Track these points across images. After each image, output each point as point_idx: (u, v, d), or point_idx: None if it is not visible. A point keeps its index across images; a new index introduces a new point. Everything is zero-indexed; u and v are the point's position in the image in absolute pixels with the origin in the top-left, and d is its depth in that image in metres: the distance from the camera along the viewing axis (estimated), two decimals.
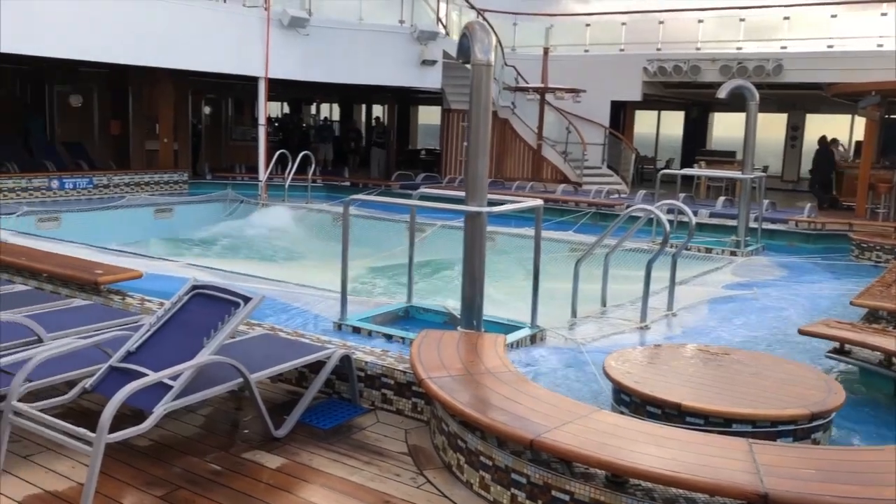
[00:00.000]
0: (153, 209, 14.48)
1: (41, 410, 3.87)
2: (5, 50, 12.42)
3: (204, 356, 4.05)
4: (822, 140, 18.01)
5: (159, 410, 3.81)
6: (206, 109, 21.42)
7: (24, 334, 4.83)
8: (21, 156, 15.64)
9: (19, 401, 3.89)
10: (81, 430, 3.59)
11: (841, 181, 17.51)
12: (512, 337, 5.84)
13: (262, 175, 16.22)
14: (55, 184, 14.47)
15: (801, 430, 4.04)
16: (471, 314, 5.74)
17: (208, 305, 4.38)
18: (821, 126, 22.48)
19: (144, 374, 3.92)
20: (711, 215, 13.43)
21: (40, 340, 4.76)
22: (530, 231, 6.36)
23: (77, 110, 17.92)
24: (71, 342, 4.34)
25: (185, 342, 4.19)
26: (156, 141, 17.49)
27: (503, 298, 8.06)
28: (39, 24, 12.51)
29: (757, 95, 11.67)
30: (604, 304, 7.49)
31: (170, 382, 3.91)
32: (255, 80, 16.24)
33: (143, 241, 12.06)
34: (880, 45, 17.69)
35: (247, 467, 4.05)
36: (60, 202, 14.09)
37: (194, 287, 4.52)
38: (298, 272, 9.75)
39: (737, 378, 4.67)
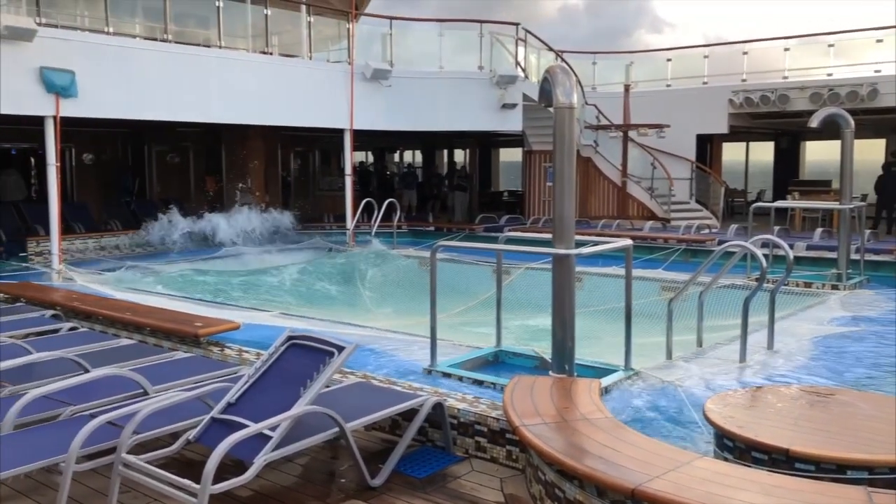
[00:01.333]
0: (251, 260, 14.97)
1: (148, 462, 4.01)
2: (110, 116, 13.25)
3: (301, 406, 4.12)
4: (887, 165, 18.18)
5: (260, 461, 3.89)
6: (295, 162, 22.15)
7: (131, 387, 5.04)
8: (123, 214, 16.50)
9: (128, 453, 4.05)
10: (186, 482, 3.70)
11: None
12: (606, 381, 5.72)
13: (350, 223, 16.58)
14: (155, 239, 15.15)
15: None
16: (562, 358, 5.66)
17: (304, 355, 4.48)
18: None
19: (245, 425, 4.02)
20: (809, 248, 12.91)
21: (146, 393, 4.96)
22: (618, 270, 6.26)
23: (174, 168, 18.85)
24: (175, 395, 4.50)
25: (283, 392, 4.28)
26: (248, 194, 18.16)
27: (595, 341, 7.92)
28: (139, 89, 13.29)
29: (852, 122, 11.24)
30: (700, 344, 7.25)
31: (269, 433, 3.99)
32: (340, 131, 16.73)
33: (242, 294, 12.44)
34: None
35: None
36: (160, 256, 14.73)
37: (290, 338, 4.63)
38: (389, 318, 9.86)
39: (848, 420, 4.43)
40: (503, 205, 24.46)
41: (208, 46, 14.95)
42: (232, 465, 4.17)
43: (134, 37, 14.06)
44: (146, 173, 18.83)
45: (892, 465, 3.78)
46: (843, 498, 3.23)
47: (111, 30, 13.33)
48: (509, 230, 14.55)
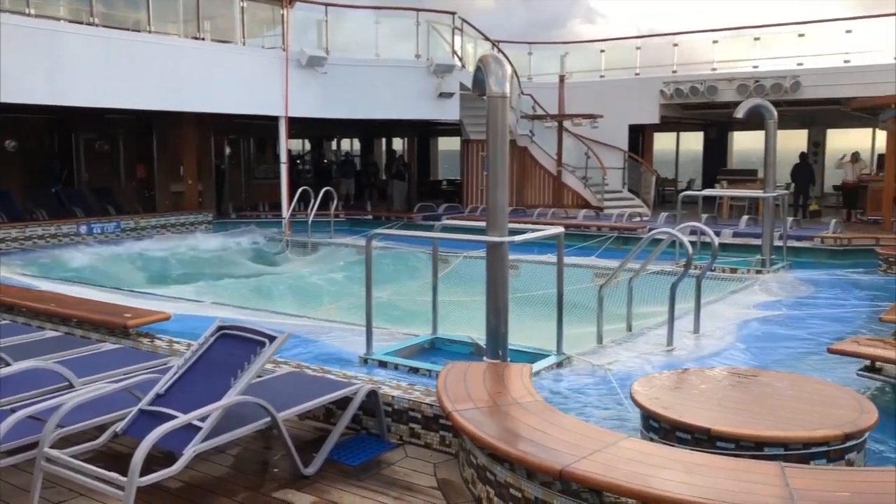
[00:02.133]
0: (181, 250, 14.66)
1: (73, 456, 3.92)
2: (38, 102, 12.78)
3: (231, 397, 4.09)
4: (802, 155, 19.84)
5: (189, 452, 3.85)
6: (228, 150, 21.76)
7: (56, 380, 4.91)
8: (50, 203, 15.97)
9: (51, 447, 3.95)
10: (113, 475, 3.64)
11: (865, 195, 17.36)
12: (538, 365, 5.83)
13: (286, 212, 16.40)
14: (83, 229, 14.73)
15: (834, 451, 3.97)
16: (496, 344, 5.74)
17: (234, 345, 4.43)
18: (842, 140, 22.35)
19: (174, 417, 3.97)
20: (735, 235, 13.33)
21: (71, 386, 4.84)
22: (553, 258, 6.37)
23: (103, 156, 18.31)
24: (101, 387, 4.40)
25: (213, 383, 4.23)
26: (180, 183, 17.79)
27: (529, 326, 8.04)
28: (69, 75, 12.85)
29: (775, 113, 11.64)
30: (629, 328, 7.46)
31: (199, 424, 3.94)
32: (275, 119, 16.51)
33: (172, 282, 12.20)
34: None
35: None
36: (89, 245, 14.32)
37: (220, 328, 4.58)
38: (324, 307, 9.81)
39: (766, 400, 4.62)
40: (442, 193, 24.53)
41: (137, 31, 14.54)
42: (162, 458, 4.11)
43: (58, 19, 13.57)
44: (74, 161, 18.23)
45: (806, 441, 3.97)
46: (759, 473, 3.37)
47: (33, 11, 12.84)
48: (447, 219, 14.62)
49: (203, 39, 15.59)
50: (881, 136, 17.51)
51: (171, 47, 14.67)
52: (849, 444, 4.01)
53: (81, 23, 13.58)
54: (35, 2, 12.92)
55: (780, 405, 4.50)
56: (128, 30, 14.54)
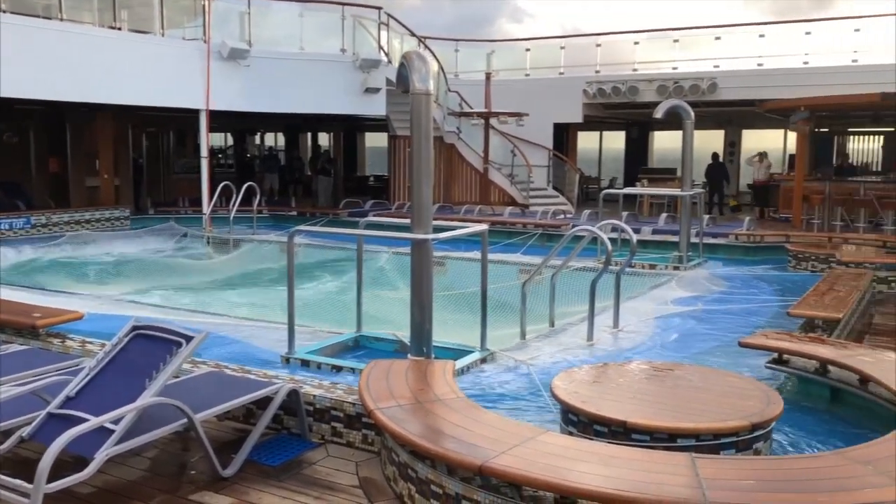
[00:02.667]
0: (95, 247, 14.17)
1: None
2: None
3: (146, 398, 3.98)
4: (714, 155, 20.90)
5: (101, 456, 3.73)
6: (147, 143, 21.14)
7: None
8: None
9: None
10: (17, 482, 3.50)
11: (776, 194, 18.09)
12: (461, 362, 5.87)
13: (206, 208, 16.02)
14: None
15: (742, 441, 4.13)
16: (420, 341, 5.76)
17: (150, 346, 4.31)
18: (756, 141, 23.24)
19: (85, 420, 3.83)
20: (654, 232, 13.71)
21: None
22: (479, 254, 6.41)
23: (12, 149, 17.51)
24: (6, 390, 4.22)
25: (127, 384, 4.11)
26: (96, 177, 17.18)
27: (455, 323, 8.09)
28: None
29: (692, 114, 12.01)
30: (552, 324, 7.58)
31: (111, 427, 3.83)
32: (196, 112, 16.11)
33: (86, 280, 11.78)
34: (806, 62, 18.42)
35: None
36: None
37: (135, 328, 4.44)
38: (246, 306, 9.64)
39: (681, 393, 4.76)
40: (369, 190, 24.39)
41: (48, 18, 13.95)
42: (73, 463, 3.97)
43: None
44: None
45: (716, 432, 4.11)
46: (671, 464, 3.48)
47: None
48: (373, 215, 14.55)
49: (120, 29, 15.08)
50: (792, 136, 18.31)
51: (86, 36, 14.14)
52: (756, 433, 4.17)
53: None
54: None
55: (693, 398, 4.64)
56: (38, 17, 13.95)
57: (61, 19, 13.89)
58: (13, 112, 16.73)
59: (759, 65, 18.96)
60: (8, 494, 3.53)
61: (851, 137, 23.17)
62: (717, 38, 19.90)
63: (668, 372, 5.24)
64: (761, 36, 19.32)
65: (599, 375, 5.18)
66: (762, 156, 18.81)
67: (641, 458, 3.62)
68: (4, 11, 12.98)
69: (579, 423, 4.44)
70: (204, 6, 16.10)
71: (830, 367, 5.49)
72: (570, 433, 4.43)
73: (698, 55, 20.21)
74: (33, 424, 4.04)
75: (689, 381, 4.95)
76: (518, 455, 3.57)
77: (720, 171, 20.56)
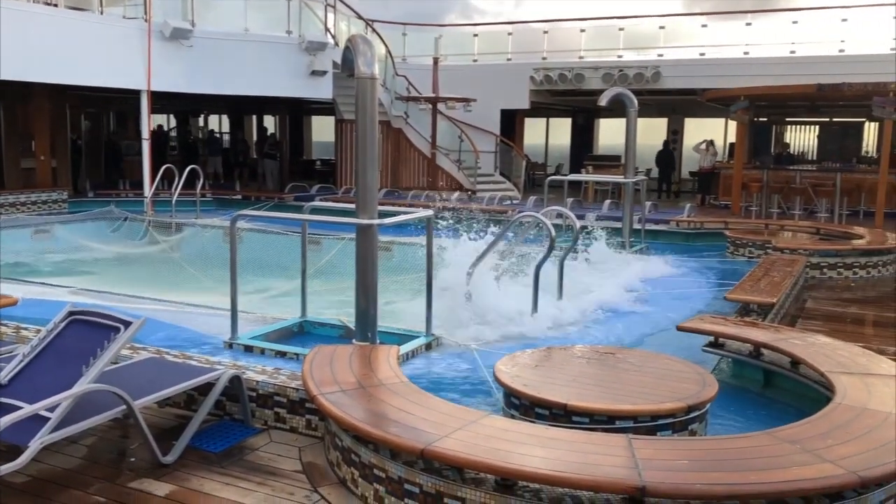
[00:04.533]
0: (30, 230, 13.74)
1: None
2: None
3: (83, 385, 3.90)
4: (666, 143, 22.15)
5: (35, 444, 3.65)
6: (87, 124, 20.53)
7: None
8: None
9: None
10: None
11: (717, 181, 18.52)
12: (406, 347, 5.89)
13: (148, 191, 15.67)
14: None
15: (678, 422, 4.25)
16: (365, 326, 5.76)
17: (86, 331, 4.22)
18: (698, 129, 23.72)
19: (18, 407, 3.75)
20: (598, 218, 13.90)
21: None
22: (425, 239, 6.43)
23: None
24: None
25: (63, 371, 4.03)
26: (32, 159, 16.63)
27: (403, 308, 8.10)
28: None
29: (636, 102, 12.19)
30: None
31: (46, 414, 3.75)
32: (137, 93, 15.71)
33: (20, 265, 11.43)
34: (746, 53, 18.84)
35: (134, 497, 3.92)
36: None
37: (71, 313, 4.35)
38: (187, 291, 9.48)
39: (620, 376, 4.87)
40: (316, 174, 24.16)
41: None
42: (6, 451, 3.88)
43: None
44: None
45: (653, 414, 4.22)
46: (608, 445, 3.57)
47: None
48: (319, 199, 14.43)
49: (56, 6, 14.58)
50: (733, 125, 18.74)
51: (19, 12, 13.63)
52: (692, 415, 4.30)
53: None
54: None
55: (632, 380, 4.76)
56: None
57: None
58: None
59: (702, 55, 19.32)
60: None
61: (789, 127, 23.83)
62: (662, 28, 20.20)
63: (608, 355, 5.35)
64: (704, 26, 19.71)
65: (542, 359, 5.26)
66: (709, 143, 19.23)
67: (580, 439, 3.70)
68: None
69: (521, 406, 4.51)
70: None
71: (764, 351, 5.67)
72: (513, 416, 4.50)
73: (643, 44, 20.51)
74: None
75: (629, 364, 5.06)
76: (460, 438, 3.62)
77: (669, 157, 21.43)
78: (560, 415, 4.27)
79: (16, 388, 3.99)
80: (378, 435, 3.72)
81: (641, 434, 4.07)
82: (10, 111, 16.80)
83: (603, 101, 11.83)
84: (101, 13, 15.35)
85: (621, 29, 20.54)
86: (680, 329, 6.10)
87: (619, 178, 13.02)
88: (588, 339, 6.73)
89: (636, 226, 12.34)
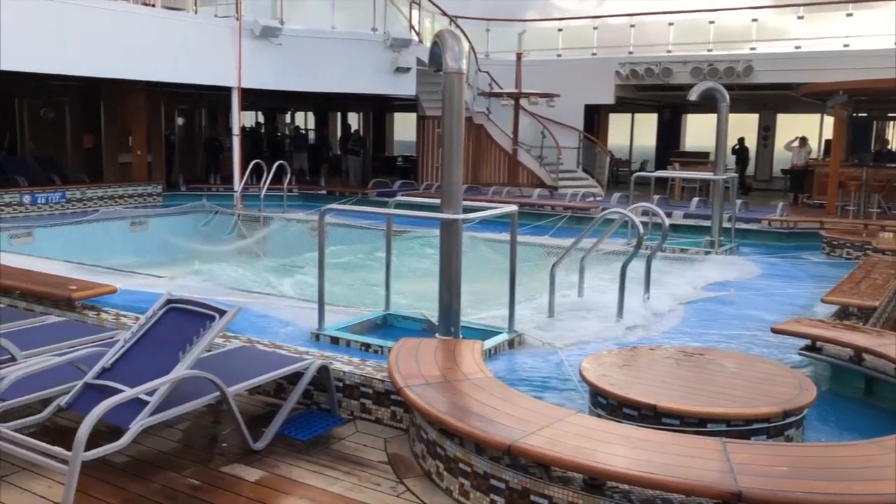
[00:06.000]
0: (128, 222, 14.35)
1: (16, 430, 3.84)
2: None
3: (180, 371, 4.03)
4: (741, 140, 22.06)
5: (136, 426, 3.80)
6: (180, 120, 21.30)
7: None
8: None
9: None
10: (57, 449, 3.57)
11: (811, 179, 17.79)
12: (489, 343, 5.87)
13: (238, 185, 16.15)
14: (27, 199, 14.29)
15: (774, 427, 4.10)
16: (448, 321, 5.76)
17: (183, 319, 4.37)
18: (791, 125, 22.85)
19: (120, 391, 3.91)
20: (686, 216, 13.57)
21: (14, 359, 4.72)
22: (507, 236, 6.39)
23: (48, 124, 17.76)
24: (45, 360, 4.31)
25: (161, 357, 4.18)
26: (129, 153, 17.37)
27: (483, 304, 8.09)
28: (12, 40, 12.39)
29: (727, 97, 11.82)
30: (581, 307, 7.54)
31: (146, 398, 3.89)
32: (228, 90, 16.19)
33: (119, 255, 11.95)
34: (846, 45, 18.01)
35: (226, 481, 4.03)
36: (33, 217, 13.93)
37: (169, 301, 4.51)
38: (277, 282, 9.72)
39: (711, 378, 4.73)
40: (397, 170, 24.39)
41: None
42: (108, 432, 4.05)
43: None
44: (17, 128, 17.63)
45: (747, 418, 4.08)
46: (701, 448, 3.47)
47: None
48: (401, 195, 14.57)
49: (153, 6, 15.17)
50: (829, 121, 17.97)
51: (121, 13, 14.24)
52: (788, 420, 4.14)
53: None
54: None
55: (725, 382, 4.61)
56: None
57: None
58: (49, 88, 16.96)
59: (797, 48, 18.57)
60: (47, 461, 3.61)
61: (891, 123, 22.66)
62: (755, 20, 19.51)
63: (698, 357, 5.20)
64: (800, 18, 18.93)
65: (629, 359, 5.16)
66: (802, 140, 18.49)
67: (671, 441, 3.61)
68: None
69: (608, 405, 4.43)
70: None
71: (865, 356, 5.40)
72: (599, 415, 4.42)
73: (735, 37, 19.85)
74: (71, 394, 4.12)
75: (720, 366, 4.91)
76: (547, 436, 3.58)
77: (744, 155, 21.55)
78: (649, 416, 4.17)
79: (118, 372, 4.16)
80: (464, 429, 3.72)
81: (734, 438, 3.94)
82: (110, 108, 17.59)
83: (693, 95, 11.51)
84: (196, 12, 15.86)
85: (711, 22, 19.93)
86: (775, 331, 5.88)
87: (709, 175, 12.65)
88: (675, 340, 6.56)
89: (726, 224, 11.97)
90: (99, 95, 17.49)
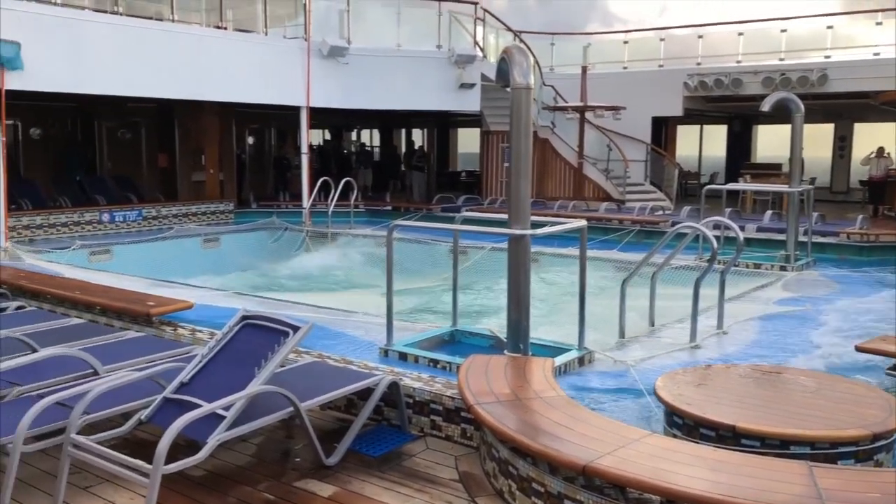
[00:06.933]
0: (201, 239, 14.75)
1: (99, 442, 3.96)
2: (58, 90, 12.88)
3: (255, 386, 4.10)
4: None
5: (213, 441, 3.87)
6: (250, 139, 21.84)
7: (81, 367, 4.96)
8: (73, 191, 16.10)
9: (78, 433, 3.99)
10: (138, 462, 3.67)
11: (892, 191, 17.12)
12: (560, 360, 5.80)
13: (306, 202, 16.44)
14: (106, 217, 14.83)
15: (862, 451, 3.92)
16: (517, 338, 5.71)
17: (258, 335, 4.45)
18: (869, 135, 22.04)
19: (198, 405, 3.99)
20: (759, 230, 13.20)
21: (96, 373, 4.88)
22: (573, 251, 6.33)
23: (125, 145, 18.44)
24: (126, 374, 4.43)
25: (237, 372, 4.25)
26: (202, 172, 17.87)
27: (549, 320, 8.02)
28: (92, 64, 12.93)
29: (802, 107, 11.48)
30: (652, 323, 7.39)
31: (223, 413, 3.96)
32: (296, 109, 16.53)
33: (193, 271, 12.28)
34: None
35: (299, 496, 4.07)
36: (111, 235, 14.45)
37: (244, 317, 4.59)
38: (345, 298, 9.82)
39: (792, 398, 4.57)
40: (461, 185, 24.46)
41: (160, 20, 14.59)
42: (185, 445, 4.14)
43: (83, 8, 13.63)
44: (96, 149, 18.38)
45: (833, 441, 3.92)
46: (786, 472, 3.33)
47: (59, 0, 12.92)
48: (466, 210, 14.59)
49: (225, 29, 15.63)
50: None
51: (194, 36, 14.71)
52: (878, 444, 3.95)
53: (105, 12, 13.64)
54: None
55: (806, 403, 4.45)
56: (150, 18, 14.60)
57: (173, 20, 14.49)
58: (126, 110, 17.62)
59: (876, 54, 17.92)
60: (129, 473, 3.70)
61: None
62: (829, 27, 18.93)
63: (777, 375, 5.04)
64: (878, 24, 18.28)
65: (704, 378, 5.02)
66: (880, 151, 17.82)
67: (753, 464, 3.48)
68: (121, 14, 13.63)
69: (684, 425, 4.31)
70: (305, 5, 16.49)
71: None
72: (675, 436, 4.31)
73: (808, 45, 19.28)
74: (151, 408, 4.23)
75: (801, 386, 4.74)
76: (623, 456, 3.50)
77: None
78: (728, 437, 4.05)
79: (195, 387, 4.25)
80: (537, 448, 3.67)
81: (819, 462, 3.78)
82: (184, 128, 18.16)
83: (766, 106, 11.22)
84: (266, 34, 16.27)
85: (783, 30, 19.43)
86: (860, 350, 5.65)
87: (784, 188, 12.28)
88: (749, 357, 6.36)
89: (802, 238, 11.60)
90: (173, 116, 18.09)
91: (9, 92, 11.82)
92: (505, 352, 5.70)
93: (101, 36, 13.05)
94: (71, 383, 4.58)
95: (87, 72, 12.92)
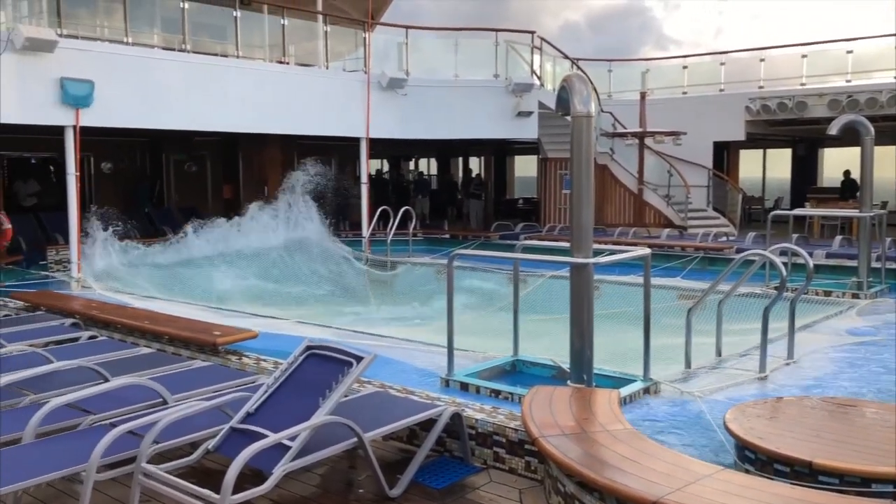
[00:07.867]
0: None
1: (168, 471, 4.03)
2: (128, 125, 13.38)
3: (320, 416, 4.13)
4: (846, 173, 20.83)
5: (279, 471, 3.90)
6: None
7: (150, 396, 5.07)
8: (143, 222, 16.61)
9: (148, 462, 4.07)
10: (206, 492, 3.71)
11: None
12: (625, 391, 5.68)
13: (366, 231, 16.63)
14: None
15: None
16: (580, 368, 5.63)
17: (322, 365, 4.48)
18: None
19: (264, 435, 4.03)
20: (828, 256, 12.81)
21: (165, 402, 4.99)
22: (635, 279, 6.23)
23: (191, 177, 19.00)
24: (194, 404, 4.52)
25: (302, 402, 4.29)
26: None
27: (612, 350, 7.87)
28: (161, 100, 13.41)
29: (872, 129, 11.15)
30: (719, 353, 7.20)
31: (288, 443, 3.99)
32: (357, 140, 16.80)
33: (258, 298, 12.49)
34: None
35: None
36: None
37: (309, 347, 4.64)
38: (405, 327, 9.85)
39: (870, 432, 4.38)
40: (518, 212, 24.43)
41: (226, 56, 15.06)
42: (250, 475, 4.18)
43: (152, 47, 14.18)
44: (164, 182, 18.99)
45: None
46: None
47: (130, 40, 13.47)
48: (525, 238, 14.53)
49: (287, 63, 16.03)
50: None
51: (257, 71, 15.13)
52: None
53: (174, 49, 14.16)
54: (132, 31, 13.53)
55: (886, 438, 4.25)
56: (216, 55, 15.08)
57: (237, 56, 14.93)
58: (193, 144, 18.18)
59: None
60: (197, 503, 3.75)
61: None
62: None
63: (853, 408, 4.84)
64: None
65: (776, 410, 4.86)
66: None
67: (833, 502, 3.34)
68: (189, 52, 14.11)
69: (757, 460, 4.17)
70: (364, 39, 16.82)
71: None
72: (747, 471, 4.17)
73: (876, 66, 18.76)
74: (218, 437, 4.29)
75: (880, 420, 4.54)
76: (695, 492, 3.40)
77: (852, 189, 19.61)
78: (804, 473, 3.90)
79: (261, 417, 4.30)
80: (605, 483, 3.59)
81: None
82: (248, 159, 18.63)
83: (833, 129, 10.92)
84: (327, 68, 16.63)
85: (850, 52, 18.98)
86: None
87: (855, 212, 11.89)
88: (822, 390, 6.13)
89: (875, 264, 11.20)
90: (237, 149, 18.59)
91: (83, 128, 12.32)
92: (568, 382, 5.63)
93: (169, 73, 13.53)
94: (141, 412, 4.69)
95: (155, 108, 13.40)
